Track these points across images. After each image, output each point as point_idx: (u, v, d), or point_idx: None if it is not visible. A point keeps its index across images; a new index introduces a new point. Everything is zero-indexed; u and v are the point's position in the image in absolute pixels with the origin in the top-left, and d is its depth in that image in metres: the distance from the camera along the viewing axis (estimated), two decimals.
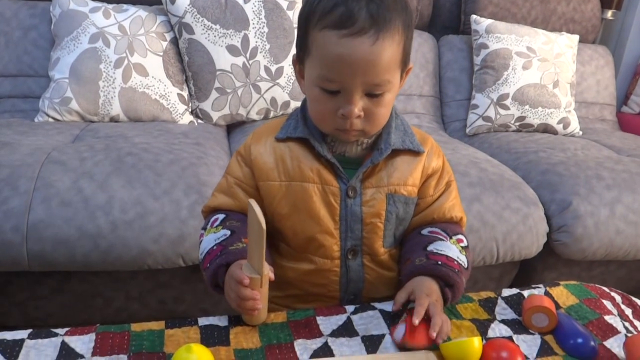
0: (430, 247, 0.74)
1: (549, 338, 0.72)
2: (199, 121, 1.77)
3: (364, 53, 0.63)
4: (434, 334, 0.64)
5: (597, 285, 0.87)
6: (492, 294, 0.81)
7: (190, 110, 1.76)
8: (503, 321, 0.75)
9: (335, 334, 0.69)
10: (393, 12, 0.64)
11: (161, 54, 1.71)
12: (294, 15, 1.77)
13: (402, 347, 0.66)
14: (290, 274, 0.79)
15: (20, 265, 1.16)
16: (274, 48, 1.74)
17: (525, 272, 1.62)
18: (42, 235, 1.13)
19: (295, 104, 1.80)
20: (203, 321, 0.70)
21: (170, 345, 0.65)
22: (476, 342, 0.63)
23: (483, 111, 1.96)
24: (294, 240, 0.77)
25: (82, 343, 0.64)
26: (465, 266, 0.74)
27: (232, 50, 1.71)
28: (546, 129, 2.01)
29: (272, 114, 1.82)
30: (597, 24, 2.29)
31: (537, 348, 0.70)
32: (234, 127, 1.83)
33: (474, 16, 2.06)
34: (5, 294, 1.30)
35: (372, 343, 0.67)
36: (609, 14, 2.32)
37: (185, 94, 1.75)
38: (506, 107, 1.94)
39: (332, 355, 0.65)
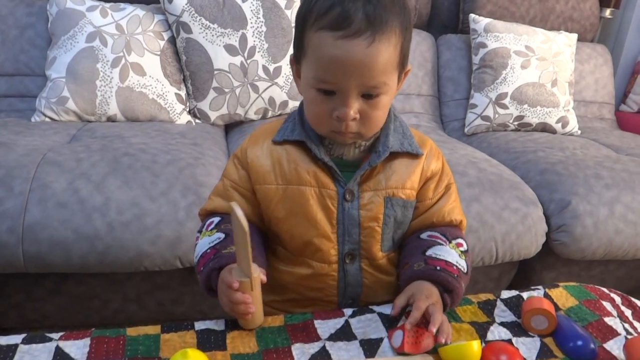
0: (429, 252, 0.73)
1: (548, 340, 0.71)
2: (197, 121, 1.76)
3: (360, 55, 0.62)
4: (434, 329, 0.63)
5: (596, 286, 0.87)
6: (491, 296, 0.80)
7: (187, 110, 1.76)
8: (502, 324, 0.74)
9: (333, 337, 0.68)
10: (390, 14, 0.63)
11: (158, 53, 1.70)
12: (292, 14, 1.76)
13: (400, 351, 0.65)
14: (288, 278, 0.78)
15: (16, 267, 1.15)
16: (272, 47, 1.73)
17: (525, 271, 1.62)
18: (38, 237, 1.13)
19: (294, 104, 1.80)
20: (199, 325, 0.69)
21: (166, 350, 0.64)
22: (475, 346, 0.63)
23: (482, 110, 1.96)
24: (291, 244, 0.77)
25: (77, 348, 0.63)
26: (465, 271, 0.73)
27: (230, 49, 1.70)
28: (545, 128, 2.00)
29: (270, 114, 1.81)
30: (596, 23, 2.28)
31: (536, 351, 0.69)
32: (232, 126, 1.82)
33: (472, 15, 2.05)
34: (1, 295, 1.29)
35: (370, 347, 0.67)
36: (608, 12, 2.32)
37: (182, 93, 1.74)
38: (505, 107, 1.94)
39: (330, 359, 0.64)
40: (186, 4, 1.68)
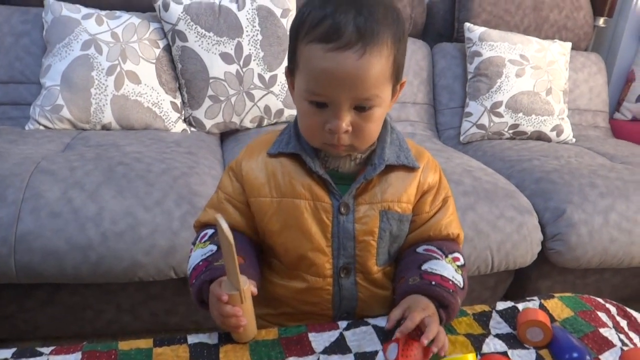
0: (424, 266, 0.73)
1: (544, 352, 0.71)
2: (192, 129, 1.76)
3: (350, 68, 0.61)
4: (425, 342, 0.62)
5: (591, 296, 0.86)
6: (486, 308, 0.80)
7: (183, 118, 1.75)
8: (498, 335, 0.74)
9: (328, 351, 0.67)
10: (382, 26, 0.62)
11: (154, 61, 1.70)
12: (287, 23, 1.76)
13: None
14: (283, 292, 0.77)
15: (8, 277, 1.14)
16: (267, 56, 1.73)
17: (520, 280, 1.62)
18: (30, 247, 1.12)
19: (289, 112, 1.80)
20: (193, 339, 0.69)
21: None
22: (471, 359, 0.62)
23: (477, 119, 1.96)
24: (286, 258, 0.76)
25: None
26: (461, 286, 0.73)
27: (225, 57, 1.70)
28: (540, 136, 2.01)
29: (265, 122, 1.81)
30: (590, 32, 2.30)
31: None
32: (227, 135, 1.82)
33: (467, 24, 2.06)
34: None
35: None
36: (601, 21, 2.33)
37: (178, 101, 1.74)
38: (500, 115, 1.94)
39: None
40: (182, 13, 1.68)
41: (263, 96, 1.74)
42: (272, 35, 1.74)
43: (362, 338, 0.70)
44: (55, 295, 1.28)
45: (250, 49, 1.71)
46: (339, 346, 0.68)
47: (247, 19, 1.72)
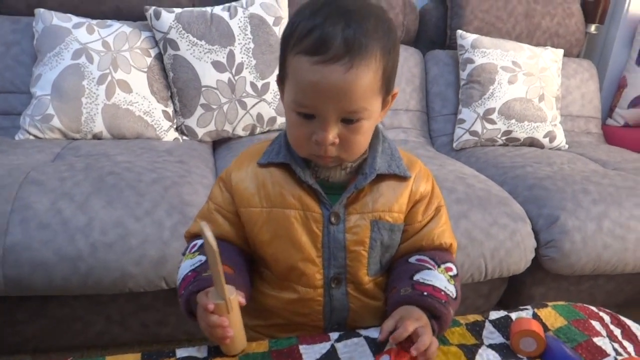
0: (416, 277, 0.72)
1: None
2: (184, 138, 1.75)
3: (337, 81, 0.61)
4: (414, 352, 0.61)
5: (585, 305, 0.86)
6: (479, 317, 0.79)
7: (175, 126, 1.74)
8: (491, 346, 0.73)
9: None
10: (371, 39, 0.61)
11: (145, 70, 1.69)
12: (279, 30, 1.76)
13: None
14: (273, 303, 0.76)
15: None
16: (260, 64, 1.73)
17: (514, 287, 1.61)
18: (19, 259, 1.10)
19: (282, 120, 1.79)
20: (181, 352, 0.67)
21: None
22: None
23: (470, 125, 1.96)
24: (276, 268, 0.75)
25: None
26: (454, 296, 0.72)
27: (217, 66, 1.69)
28: (532, 142, 2.01)
29: (258, 130, 1.81)
30: (581, 38, 2.31)
31: None
32: (219, 143, 1.81)
33: (459, 31, 2.07)
34: None
35: None
36: (593, 28, 2.34)
37: (170, 110, 1.73)
38: (492, 122, 1.94)
39: None
40: (174, 21, 1.67)
41: (255, 104, 1.74)
42: (264, 43, 1.74)
43: (353, 350, 0.69)
44: (44, 308, 1.26)
45: (242, 57, 1.71)
46: (330, 358, 0.67)
47: (239, 27, 1.72)
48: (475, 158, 1.89)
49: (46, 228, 1.13)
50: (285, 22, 1.77)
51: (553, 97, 2.03)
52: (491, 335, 0.76)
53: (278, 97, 1.76)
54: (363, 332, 0.73)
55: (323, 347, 0.70)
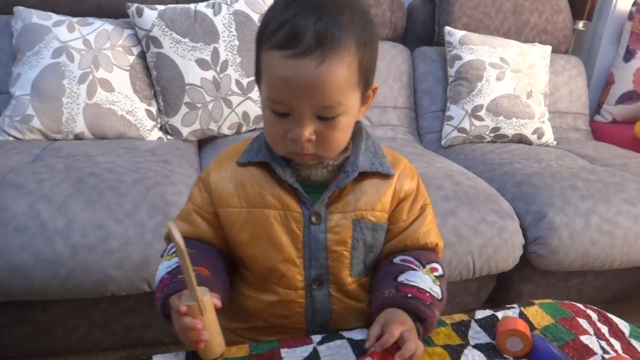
0: (400, 278, 0.70)
1: None
2: (169, 137, 1.72)
3: (309, 75, 0.59)
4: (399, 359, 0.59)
5: (572, 302, 0.85)
6: (465, 317, 0.78)
7: (159, 126, 1.72)
8: (476, 346, 0.72)
9: None
10: (344, 31, 0.59)
11: (128, 68, 1.66)
12: None
13: None
14: (254, 305, 0.74)
15: None
16: (245, 61, 1.70)
17: (503, 284, 1.60)
18: None
19: None
20: (158, 358, 0.65)
21: None
22: None
23: (458, 122, 1.95)
24: (256, 270, 0.73)
25: None
26: (439, 297, 0.70)
27: (201, 64, 1.67)
28: (521, 139, 2.00)
29: (244, 129, 1.78)
30: (569, 35, 2.31)
31: None
32: (205, 142, 1.79)
33: (447, 28, 2.05)
34: None
35: None
36: (580, 24, 2.34)
37: (153, 109, 1.70)
38: (481, 119, 1.93)
39: None
40: (156, 18, 1.64)
41: (241, 102, 1.71)
42: (249, 40, 1.71)
43: (336, 352, 0.68)
44: (24, 313, 1.23)
45: (227, 55, 1.68)
46: None
47: (224, 24, 1.69)
48: (463, 155, 1.88)
49: (24, 231, 1.10)
50: None
51: (541, 94, 2.02)
52: (477, 335, 0.74)
53: None
54: (346, 334, 0.71)
55: (305, 350, 0.68)
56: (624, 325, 0.82)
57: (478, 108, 1.93)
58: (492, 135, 1.97)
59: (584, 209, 1.47)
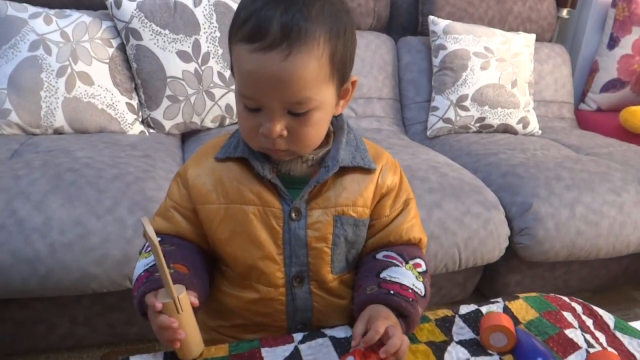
0: (383, 274, 0.69)
1: (508, 358, 0.68)
2: (151, 131, 1.69)
3: (275, 70, 0.57)
4: (384, 355, 0.58)
5: (557, 295, 0.84)
6: (449, 312, 0.77)
7: (140, 119, 1.68)
8: (460, 342, 0.71)
9: None
10: (313, 22, 0.57)
11: (107, 61, 1.62)
12: None
13: None
14: (234, 302, 0.73)
15: None
16: (226, 53, 1.68)
17: (489, 275, 1.61)
18: None
19: None
20: (136, 359, 0.64)
21: None
22: None
23: (443, 113, 1.94)
24: (236, 267, 0.72)
25: None
26: (422, 294, 0.69)
27: (182, 56, 1.64)
28: (506, 129, 2.00)
29: (227, 121, 1.76)
30: (553, 23, 2.30)
31: None
32: (188, 135, 1.76)
33: (431, 17, 2.04)
34: None
35: None
36: (565, 12, 2.34)
37: (134, 102, 1.67)
38: (466, 109, 1.93)
39: None
40: (135, 10, 1.61)
41: (224, 95, 1.69)
42: None
43: (318, 351, 0.66)
44: (4, 311, 1.21)
45: (208, 47, 1.65)
46: None
47: (204, 15, 1.66)
48: (449, 146, 1.87)
49: (1, 229, 1.07)
50: None
51: (526, 83, 2.02)
52: (461, 330, 0.73)
53: None
54: (328, 331, 0.70)
55: (286, 350, 0.67)
56: (608, 318, 0.82)
57: (463, 98, 1.92)
58: (477, 125, 1.96)
59: (569, 199, 1.47)
